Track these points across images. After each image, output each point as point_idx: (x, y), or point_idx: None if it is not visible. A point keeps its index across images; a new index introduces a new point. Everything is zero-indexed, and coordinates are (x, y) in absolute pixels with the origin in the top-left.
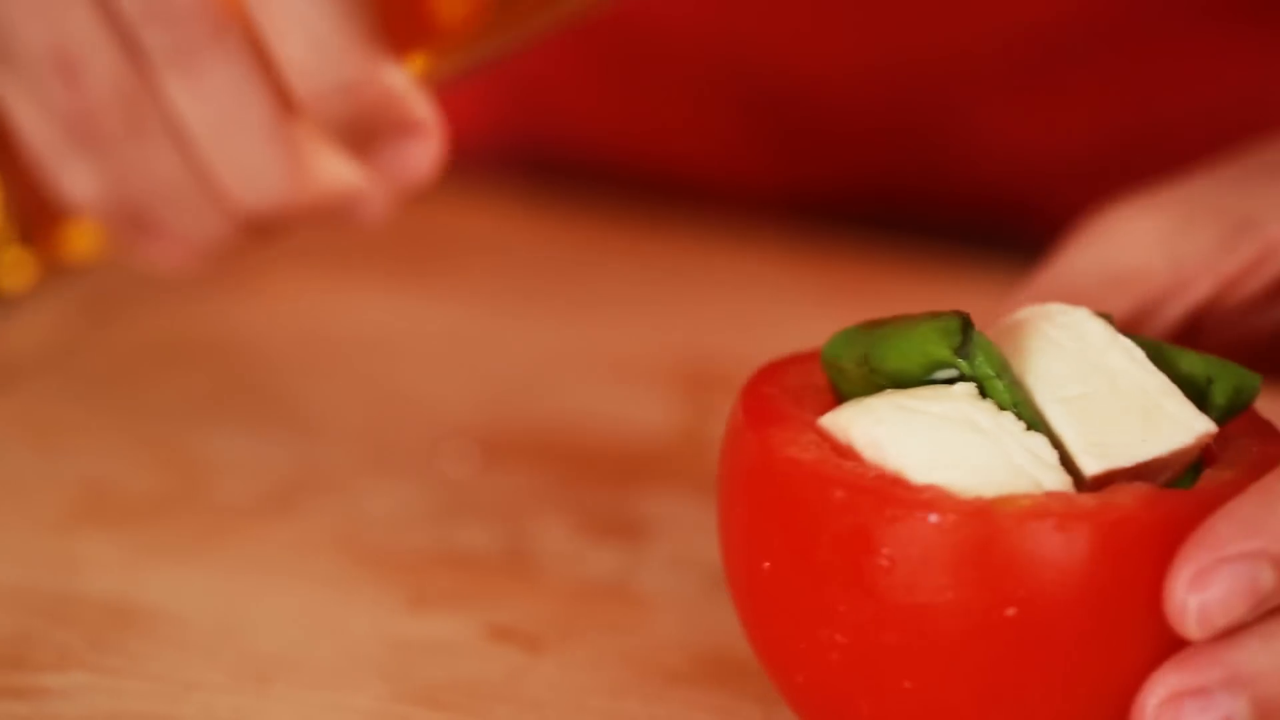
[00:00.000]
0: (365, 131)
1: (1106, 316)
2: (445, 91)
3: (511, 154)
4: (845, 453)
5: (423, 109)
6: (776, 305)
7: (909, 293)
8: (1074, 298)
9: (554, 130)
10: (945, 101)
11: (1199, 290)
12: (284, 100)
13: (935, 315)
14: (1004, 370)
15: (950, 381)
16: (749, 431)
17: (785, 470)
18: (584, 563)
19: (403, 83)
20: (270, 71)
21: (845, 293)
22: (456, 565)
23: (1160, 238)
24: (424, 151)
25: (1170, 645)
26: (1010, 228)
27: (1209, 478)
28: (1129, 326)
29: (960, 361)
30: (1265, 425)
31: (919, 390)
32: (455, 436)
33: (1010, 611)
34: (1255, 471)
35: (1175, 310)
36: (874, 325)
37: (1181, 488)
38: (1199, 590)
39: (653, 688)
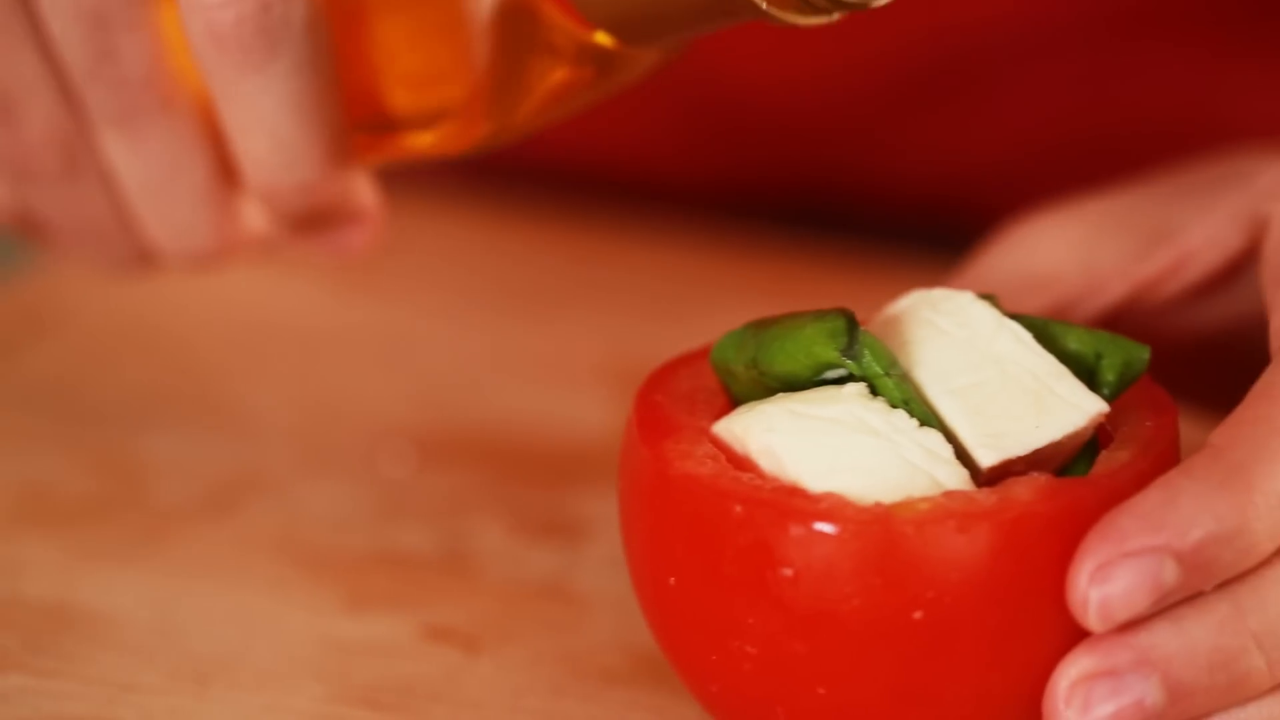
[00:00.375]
0: (309, 219)
1: (990, 298)
2: None
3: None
4: (741, 463)
5: (368, 196)
6: (713, 303)
7: (841, 289)
8: None
9: None
10: (878, 103)
11: (1112, 294)
12: (224, 167)
13: (820, 315)
14: (892, 367)
15: (840, 381)
16: (644, 446)
17: (683, 486)
18: (521, 563)
19: (356, 177)
20: (216, 140)
21: (780, 290)
22: (394, 566)
23: (1076, 244)
24: (361, 235)
25: (1079, 635)
26: (942, 226)
27: (1104, 460)
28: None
29: (848, 362)
30: (1158, 395)
31: (810, 393)
32: (392, 437)
33: (917, 614)
34: (1150, 449)
35: (1088, 313)
36: (761, 326)
37: (1078, 469)
38: (1100, 584)
39: (590, 688)
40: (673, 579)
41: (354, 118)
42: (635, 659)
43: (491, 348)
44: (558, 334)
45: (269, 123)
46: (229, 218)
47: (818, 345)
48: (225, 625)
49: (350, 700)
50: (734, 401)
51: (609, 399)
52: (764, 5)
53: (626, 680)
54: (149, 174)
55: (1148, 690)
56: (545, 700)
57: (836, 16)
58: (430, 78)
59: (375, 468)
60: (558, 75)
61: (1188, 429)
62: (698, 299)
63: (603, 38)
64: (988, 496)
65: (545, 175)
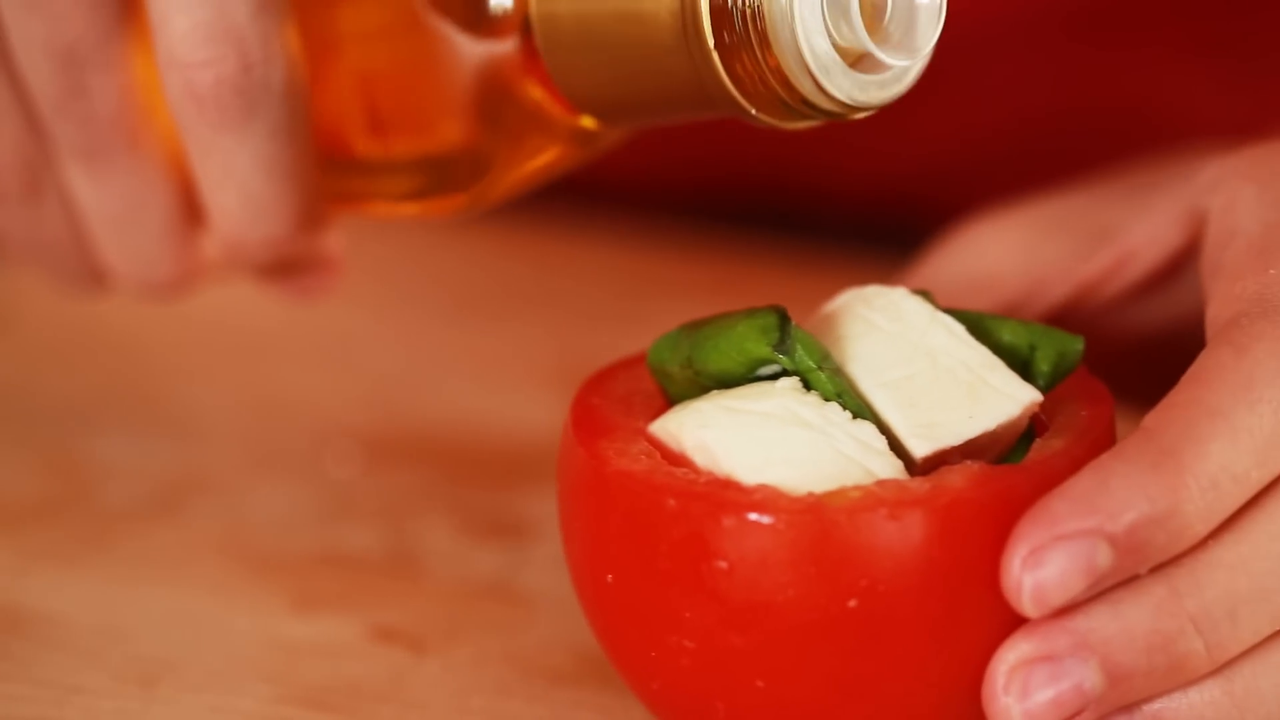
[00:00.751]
0: (273, 267)
1: (924, 294)
2: None
3: None
4: (676, 460)
5: (334, 244)
6: (659, 304)
7: (792, 289)
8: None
9: None
10: None
11: (1055, 294)
12: (188, 204)
13: (752, 313)
14: (825, 361)
15: (774, 377)
16: (579, 446)
17: (618, 483)
18: (468, 563)
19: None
20: (181, 178)
21: (730, 289)
22: (340, 566)
23: (1019, 246)
24: (324, 281)
25: (1017, 622)
26: (889, 226)
27: (1038, 448)
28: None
29: (780, 357)
30: (1094, 386)
31: (743, 389)
32: (339, 438)
33: (852, 603)
34: (1085, 437)
35: (1031, 314)
36: (695, 327)
37: (1013, 460)
38: (1034, 568)
39: (537, 687)
40: (610, 576)
41: (332, 181)
42: (581, 659)
43: (438, 349)
44: (504, 335)
45: (242, 180)
46: (188, 252)
47: (750, 342)
48: (172, 626)
49: (296, 701)
50: (671, 402)
51: (556, 400)
52: (748, 108)
53: (573, 680)
54: (111, 207)
55: (1086, 674)
56: (491, 700)
57: (818, 121)
58: (412, 155)
59: (322, 468)
60: (541, 156)
61: (1131, 427)
62: (645, 300)
63: (588, 121)
64: (920, 485)
65: None
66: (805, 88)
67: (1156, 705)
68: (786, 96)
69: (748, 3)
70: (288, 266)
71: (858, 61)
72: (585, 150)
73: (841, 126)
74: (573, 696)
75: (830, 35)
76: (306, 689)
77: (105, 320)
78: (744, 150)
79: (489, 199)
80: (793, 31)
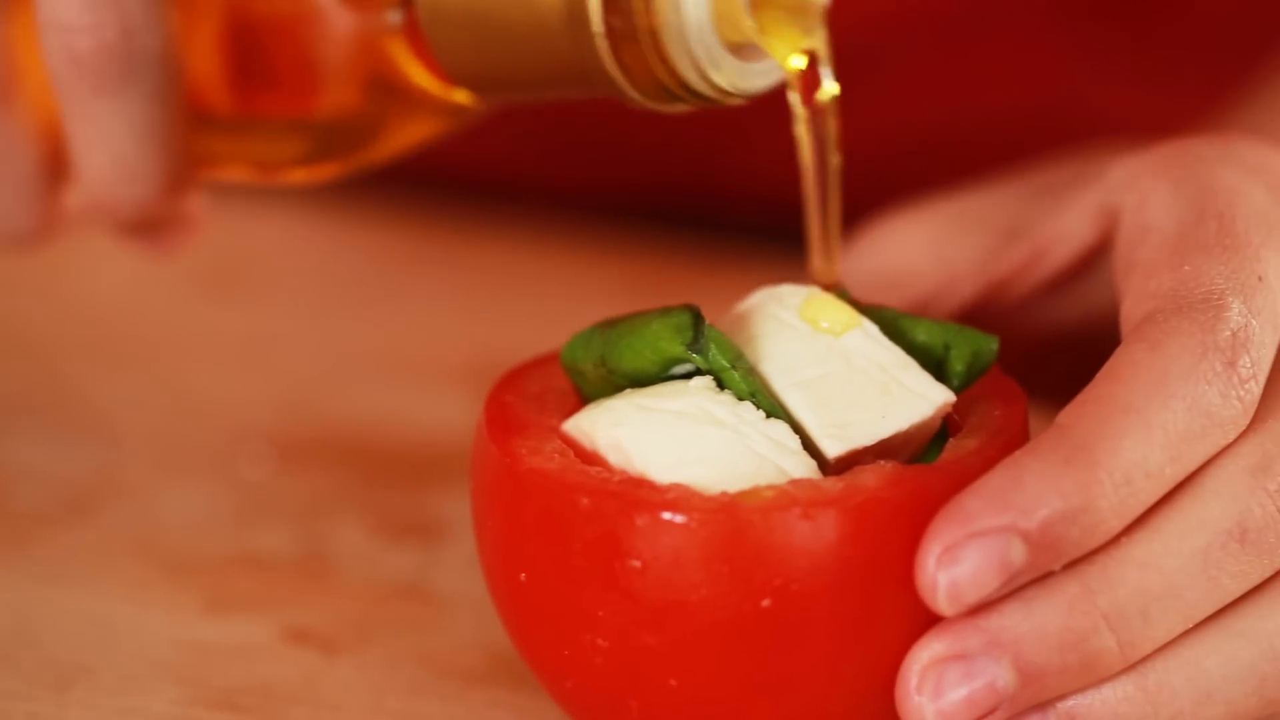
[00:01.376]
0: (137, 225)
1: (840, 293)
2: None
3: None
4: (590, 458)
5: (197, 204)
6: (574, 302)
7: (708, 288)
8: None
9: None
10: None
11: (966, 291)
12: (54, 159)
13: (666, 311)
14: (738, 360)
15: (687, 376)
16: (492, 444)
17: (531, 481)
18: (380, 564)
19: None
20: (49, 134)
21: (643, 289)
22: (253, 568)
23: (931, 244)
24: (185, 239)
25: (932, 621)
26: (800, 225)
27: (952, 448)
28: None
29: (694, 356)
30: (1008, 386)
31: (657, 388)
32: (251, 439)
33: (765, 602)
34: (998, 437)
35: (943, 311)
36: (609, 325)
37: (927, 460)
38: (948, 566)
39: (450, 688)
40: (524, 575)
41: (204, 143)
42: (495, 659)
43: (351, 349)
44: (418, 335)
45: (115, 144)
46: (50, 206)
47: (664, 340)
48: (85, 629)
49: (209, 703)
50: (584, 401)
51: (469, 399)
52: (630, 93)
53: (486, 680)
54: None
55: (999, 673)
56: (405, 701)
57: (697, 106)
58: (283, 120)
59: (235, 470)
60: (413, 127)
61: (1044, 425)
62: (560, 299)
63: (463, 95)
64: (834, 484)
65: (408, 178)
66: (690, 76)
67: (1070, 703)
68: (670, 83)
69: None
70: (149, 224)
71: (740, 49)
72: (457, 122)
73: (758, 126)
74: (487, 696)
75: (717, 25)
76: (219, 691)
77: (17, 322)
78: (661, 150)
79: (359, 166)
80: (681, 20)
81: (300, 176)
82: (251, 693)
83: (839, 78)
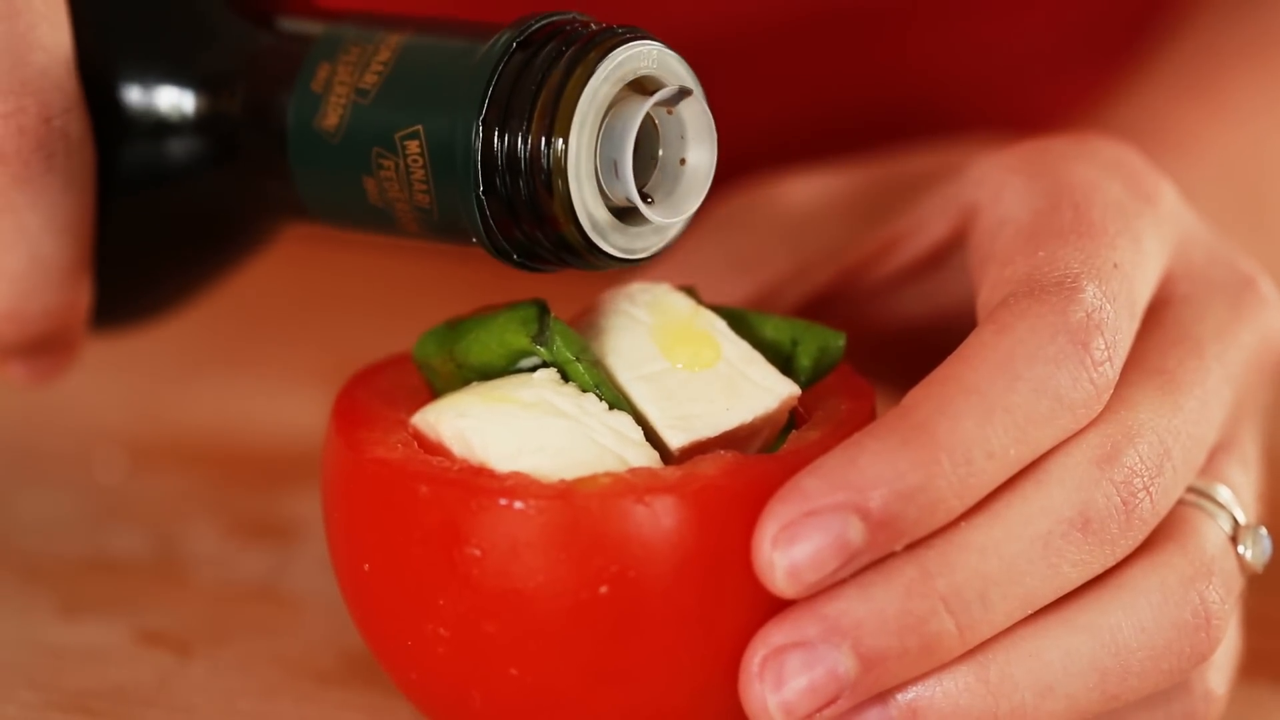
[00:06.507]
0: (25, 345)
1: (689, 289)
2: None
3: None
4: (435, 450)
5: (82, 334)
6: (429, 301)
7: (559, 288)
8: (696, 281)
9: None
10: None
11: (819, 277)
12: None
13: (513, 305)
14: (583, 353)
15: (534, 369)
16: (338, 436)
17: (373, 471)
18: (234, 565)
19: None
20: None
21: (497, 290)
22: (107, 571)
23: (787, 228)
24: (60, 367)
25: (775, 607)
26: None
27: (794, 439)
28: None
29: (539, 348)
30: (856, 382)
31: (502, 380)
32: (104, 442)
33: (603, 589)
34: (842, 429)
35: (795, 295)
36: (459, 321)
37: (772, 452)
38: (786, 546)
39: (304, 688)
40: (367, 565)
41: None
42: (348, 659)
43: (203, 352)
44: (269, 337)
45: (33, 242)
46: None
47: (510, 333)
48: None
49: (62, 706)
50: (435, 396)
51: (323, 401)
52: (507, 256)
53: (340, 681)
54: None
55: (839, 659)
56: (258, 702)
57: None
58: None
59: (88, 473)
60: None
61: None
62: (412, 300)
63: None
64: (672, 472)
65: None
66: (579, 245)
67: (911, 694)
68: (552, 250)
69: (519, 158)
70: (39, 344)
71: (623, 214)
72: None
73: None
74: (340, 697)
75: (605, 196)
76: (72, 694)
77: None
78: None
79: None
80: (568, 194)
81: None
82: (104, 696)
83: (708, 72)
